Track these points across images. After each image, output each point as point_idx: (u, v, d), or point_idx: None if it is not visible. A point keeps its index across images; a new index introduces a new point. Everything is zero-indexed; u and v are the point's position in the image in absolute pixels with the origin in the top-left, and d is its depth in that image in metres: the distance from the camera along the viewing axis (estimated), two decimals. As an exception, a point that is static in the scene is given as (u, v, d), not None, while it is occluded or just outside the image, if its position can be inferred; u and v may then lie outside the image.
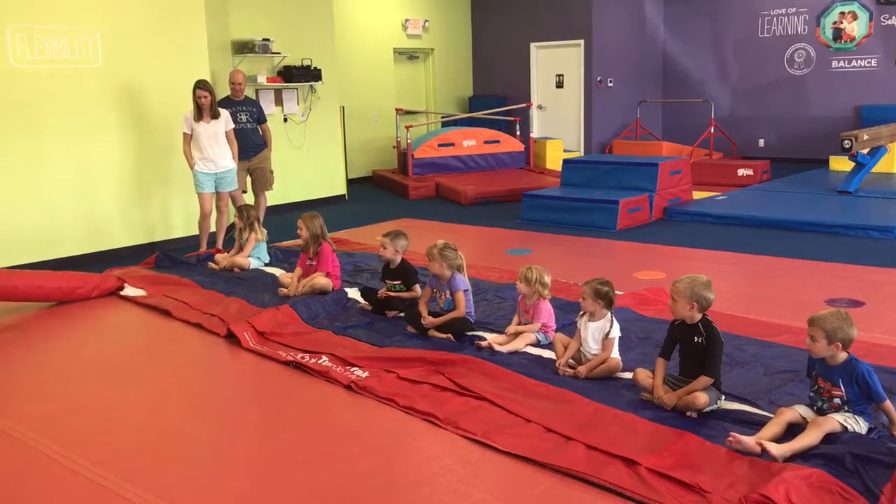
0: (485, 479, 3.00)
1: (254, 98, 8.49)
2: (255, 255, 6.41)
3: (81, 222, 7.07)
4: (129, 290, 5.85)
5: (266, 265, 6.42)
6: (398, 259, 4.96)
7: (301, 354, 4.35)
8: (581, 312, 3.94)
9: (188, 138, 6.93)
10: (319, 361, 4.23)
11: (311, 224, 5.44)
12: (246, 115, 7.67)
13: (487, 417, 3.43)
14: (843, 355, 3.04)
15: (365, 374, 4.00)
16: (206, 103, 6.85)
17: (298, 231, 5.51)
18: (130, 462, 3.23)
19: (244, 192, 7.61)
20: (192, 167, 6.94)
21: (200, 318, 5.09)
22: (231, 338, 4.76)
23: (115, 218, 7.32)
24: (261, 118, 7.82)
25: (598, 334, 3.83)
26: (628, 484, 2.80)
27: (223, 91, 8.34)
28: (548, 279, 4.30)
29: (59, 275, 5.84)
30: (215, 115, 6.95)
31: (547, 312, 4.33)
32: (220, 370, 4.39)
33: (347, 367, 4.11)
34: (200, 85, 6.88)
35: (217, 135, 6.96)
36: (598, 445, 3.06)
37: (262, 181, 7.90)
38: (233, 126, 7.14)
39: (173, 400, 4.00)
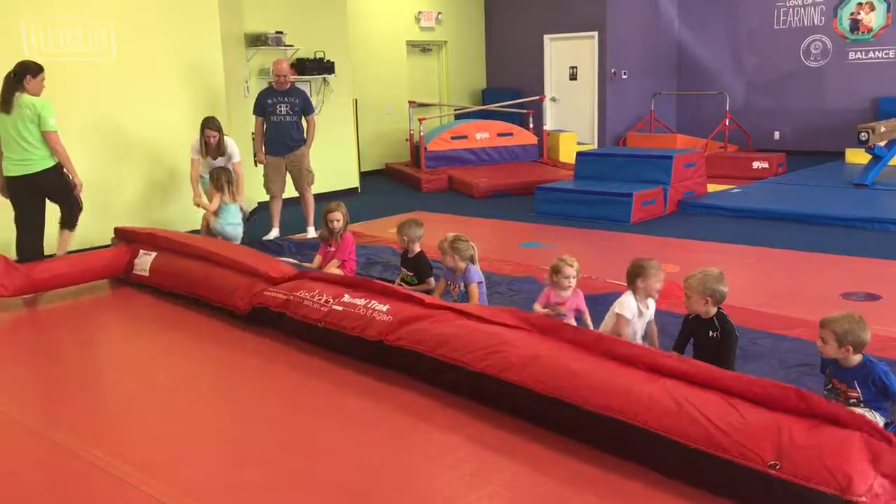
0: (498, 471, 3.00)
1: (301, 89, 7.85)
2: (224, 218, 6.49)
3: (93, 214, 7.08)
4: (137, 262, 5.88)
5: (238, 224, 6.58)
6: (414, 248, 4.97)
7: (324, 297, 4.40)
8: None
9: (196, 164, 6.85)
10: (343, 300, 4.29)
11: (333, 212, 5.48)
12: (286, 107, 7.33)
13: (513, 353, 3.42)
14: (857, 357, 2.99)
15: (385, 308, 4.07)
16: (213, 143, 6.73)
17: (335, 222, 5.48)
18: (147, 454, 3.25)
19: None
20: (196, 202, 6.82)
21: (222, 292, 5.08)
22: (251, 320, 4.79)
23: (124, 211, 7.34)
24: (306, 110, 7.47)
25: (610, 321, 3.80)
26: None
27: (232, 83, 8.35)
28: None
29: (71, 259, 5.89)
30: (222, 153, 6.81)
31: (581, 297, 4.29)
32: (234, 359, 4.40)
33: (370, 301, 4.18)
34: (209, 125, 6.69)
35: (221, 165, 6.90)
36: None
37: (297, 178, 7.53)
38: (238, 159, 6.91)
39: (188, 391, 4.02)
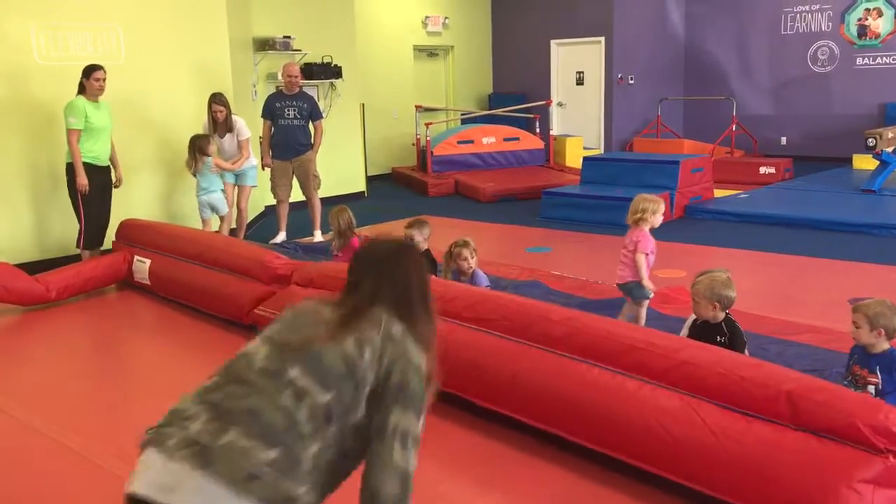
0: (503, 478, 3.00)
1: (309, 94, 7.95)
2: (208, 187, 6.80)
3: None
4: (135, 270, 5.90)
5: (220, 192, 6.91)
6: (421, 247, 4.99)
7: None
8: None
9: None
10: None
11: (337, 219, 5.47)
12: (294, 110, 7.41)
13: (495, 375, 3.35)
14: (885, 345, 3.05)
15: None
16: (221, 118, 6.83)
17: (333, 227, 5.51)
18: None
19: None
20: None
21: (222, 303, 5.08)
22: (253, 329, 4.79)
23: (137, 213, 7.36)
24: (314, 115, 7.54)
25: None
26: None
27: (240, 87, 8.37)
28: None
29: (73, 269, 5.89)
30: (230, 129, 6.92)
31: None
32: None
33: None
34: (216, 99, 6.82)
35: (233, 146, 6.99)
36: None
37: (303, 182, 7.56)
38: (247, 136, 7.03)
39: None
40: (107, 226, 6.42)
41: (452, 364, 3.22)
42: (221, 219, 6.96)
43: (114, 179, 6.47)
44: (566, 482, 2.95)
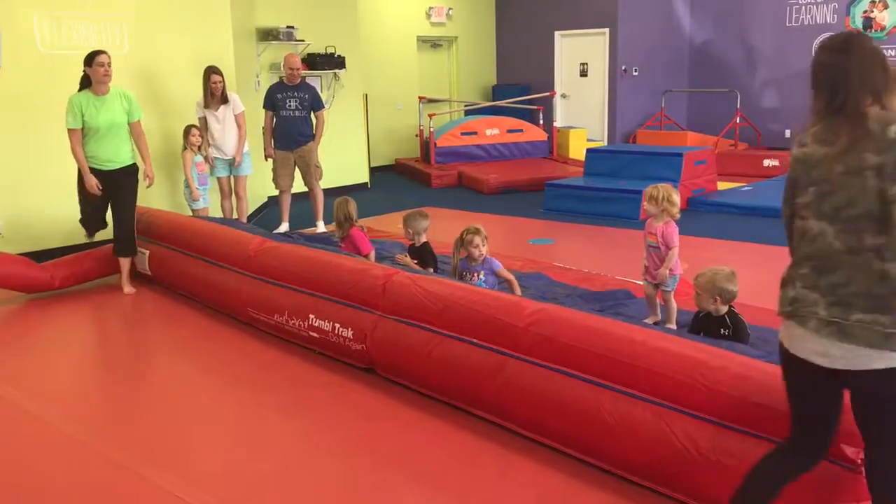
0: (506, 467, 3.00)
1: (311, 84, 7.86)
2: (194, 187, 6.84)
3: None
4: (137, 261, 5.93)
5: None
6: (420, 240, 4.99)
7: (295, 321, 4.35)
8: None
9: (203, 122, 7.02)
10: (311, 323, 4.23)
11: (337, 210, 5.47)
12: (296, 101, 7.39)
13: (486, 383, 3.33)
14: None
15: (351, 333, 3.99)
16: (219, 88, 6.89)
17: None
18: (155, 445, 3.27)
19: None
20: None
21: (220, 298, 5.09)
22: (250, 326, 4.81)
23: (140, 202, 7.36)
24: (315, 106, 7.50)
25: None
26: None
27: (243, 77, 8.36)
28: (676, 198, 4.25)
29: (80, 257, 5.90)
30: (225, 101, 6.98)
31: (676, 235, 4.26)
32: (242, 354, 4.42)
33: (334, 325, 4.10)
34: (215, 70, 6.92)
35: (227, 119, 7.02)
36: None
37: (305, 172, 7.55)
38: (241, 109, 7.07)
39: (197, 385, 4.04)
40: (102, 223, 5.99)
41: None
42: (194, 211, 6.98)
43: (141, 177, 5.83)
44: (575, 468, 2.96)
